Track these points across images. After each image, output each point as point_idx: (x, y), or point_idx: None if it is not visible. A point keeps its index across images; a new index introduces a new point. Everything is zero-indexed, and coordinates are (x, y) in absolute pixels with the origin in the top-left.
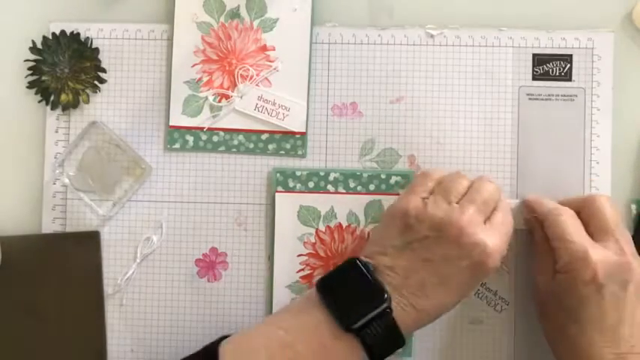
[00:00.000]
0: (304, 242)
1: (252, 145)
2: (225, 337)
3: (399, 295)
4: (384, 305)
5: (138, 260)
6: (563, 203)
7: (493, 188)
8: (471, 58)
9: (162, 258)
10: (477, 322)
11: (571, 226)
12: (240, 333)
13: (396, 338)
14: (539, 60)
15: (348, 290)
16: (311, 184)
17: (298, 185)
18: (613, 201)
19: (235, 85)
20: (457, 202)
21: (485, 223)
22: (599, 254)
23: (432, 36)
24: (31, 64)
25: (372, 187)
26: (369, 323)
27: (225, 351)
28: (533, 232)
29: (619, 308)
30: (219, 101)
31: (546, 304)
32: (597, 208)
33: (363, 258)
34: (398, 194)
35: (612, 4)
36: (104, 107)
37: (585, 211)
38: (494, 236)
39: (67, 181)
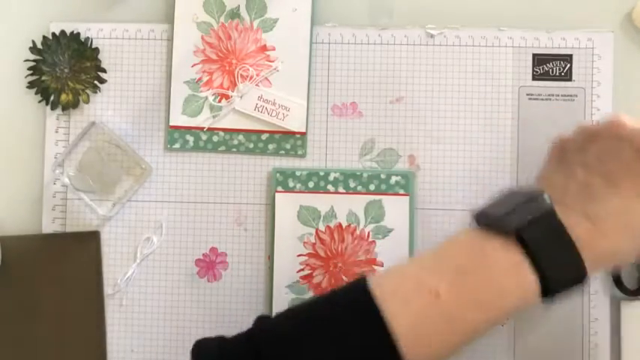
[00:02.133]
0: (304, 242)
1: (252, 145)
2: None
3: (564, 206)
4: (546, 205)
5: (138, 260)
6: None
7: None
8: (471, 58)
9: (162, 258)
10: None
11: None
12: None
13: (566, 248)
14: (539, 60)
15: (503, 204)
16: (311, 184)
17: (298, 185)
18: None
19: (235, 85)
20: None
21: None
22: None
23: (432, 36)
24: (31, 64)
25: (372, 187)
26: (530, 226)
27: (377, 286)
28: None
29: None
30: (219, 101)
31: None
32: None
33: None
34: (398, 194)
35: (612, 4)
36: (104, 107)
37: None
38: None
39: (67, 181)
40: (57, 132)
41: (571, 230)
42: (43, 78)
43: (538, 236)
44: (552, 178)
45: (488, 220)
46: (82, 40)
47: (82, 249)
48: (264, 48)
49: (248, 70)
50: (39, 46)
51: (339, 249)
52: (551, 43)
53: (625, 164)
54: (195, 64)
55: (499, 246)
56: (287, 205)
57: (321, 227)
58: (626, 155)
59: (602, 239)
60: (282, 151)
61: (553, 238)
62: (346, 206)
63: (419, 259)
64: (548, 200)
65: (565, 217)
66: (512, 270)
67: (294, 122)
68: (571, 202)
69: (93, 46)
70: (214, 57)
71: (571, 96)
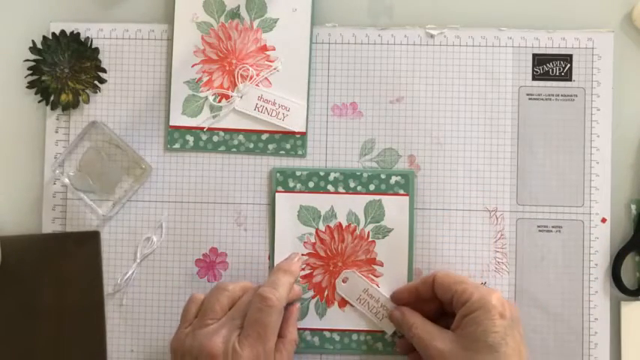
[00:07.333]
0: (304, 242)
1: (252, 145)
2: None
3: None
4: None
5: (138, 260)
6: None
7: (248, 294)
8: (471, 58)
9: (162, 258)
10: None
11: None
12: None
13: None
14: (539, 60)
15: None
16: (311, 184)
17: (298, 185)
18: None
19: (235, 85)
20: (219, 318)
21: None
22: (492, 293)
23: (432, 36)
24: (31, 64)
25: (372, 187)
26: None
27: None
28: (419, 294)
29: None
30: (219, 101)
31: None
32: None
33: None
34: (398, 194)
35: (612, 4)
36: (104, 107)
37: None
38: (246, 348)
39: (67, 181)
40: (57, 132)
41: None
42: (43, 78)
43: None
44: None
45: None
46: (82, 40)
47: (82, 249)
48: (264, 48)
49: (248, 70)
50: (39, 46)
51: (339, 249)
52: (551, 43)
53: None
54: (195, 64)
55: None
56: (287, 205)
57: (321, 227)
58: None
59: None
60: (282, 151)
61: None
62: (346, 206)
63: None
64: None
65: None
66: None
67: (294, 122)
68: None
69: (93, 46)
70: (214, 57)
71: (571, 96)
